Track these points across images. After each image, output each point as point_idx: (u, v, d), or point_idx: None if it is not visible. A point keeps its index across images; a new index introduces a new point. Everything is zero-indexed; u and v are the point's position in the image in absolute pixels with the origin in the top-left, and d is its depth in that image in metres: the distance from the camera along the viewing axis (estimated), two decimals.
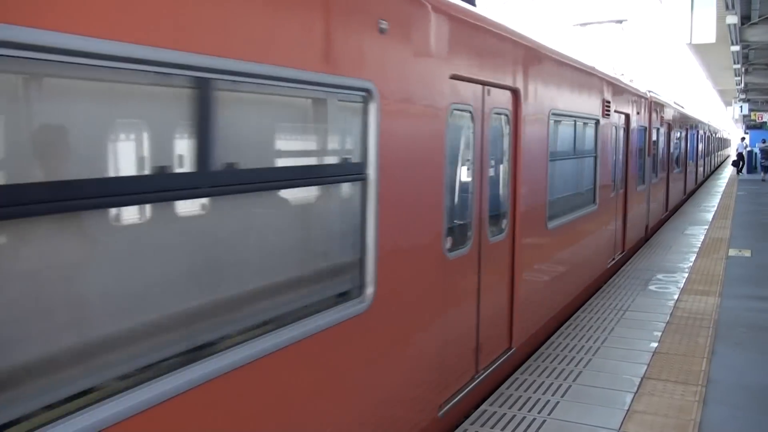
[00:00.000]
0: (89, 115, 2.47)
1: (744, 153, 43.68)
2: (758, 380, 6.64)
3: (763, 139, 42.35)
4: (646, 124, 14.56)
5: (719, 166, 55.78)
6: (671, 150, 19.46)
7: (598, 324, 8.38)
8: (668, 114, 18.39)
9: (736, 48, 22.84)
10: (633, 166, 13.09)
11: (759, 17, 21.06)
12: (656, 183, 16.74)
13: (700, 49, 26.32)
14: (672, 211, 20.74)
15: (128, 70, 2.46)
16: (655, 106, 15.68)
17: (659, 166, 17.10)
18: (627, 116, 12.37)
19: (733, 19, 18.49)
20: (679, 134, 21.56)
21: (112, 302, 2.59)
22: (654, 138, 15.87)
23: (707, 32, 17.52)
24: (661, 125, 16.85)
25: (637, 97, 13.53)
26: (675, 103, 21.92)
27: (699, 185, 31.93)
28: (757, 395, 6.25)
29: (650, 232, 16.07)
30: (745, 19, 20.78)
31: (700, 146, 31.45)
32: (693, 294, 10.02)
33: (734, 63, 27.42)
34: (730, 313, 8.99)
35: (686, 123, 23.68)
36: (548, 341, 7.69)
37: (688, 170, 25.30)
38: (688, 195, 26.23)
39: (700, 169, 32.66)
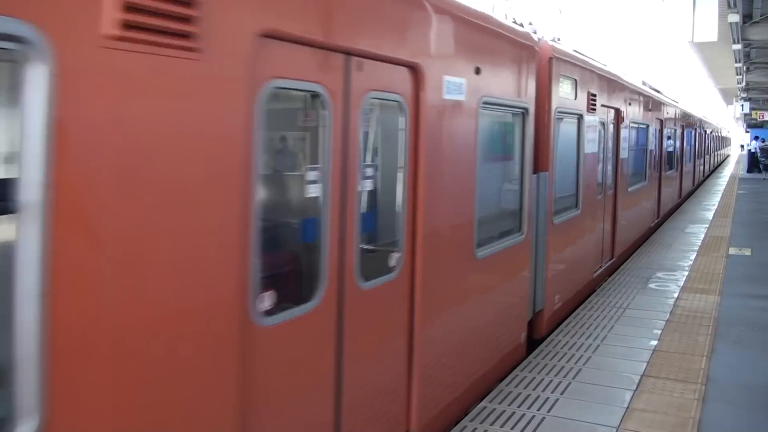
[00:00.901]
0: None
1: (754, 151, 43.52)
2: (758, 378, 6.64)
3: (762, 138, 42.41)
4: (528, 105, 6.92)
5: (715, 169, 46.36)
6: (622, 154, 11.79)
7: (597, 322, 8.38)
8: (612, 94, 10.90)
9: (738, 46, 22.85)
10: (459, 210, 5.43)
11: (761, 16, 21.07)
12: (574, 220, 9.08)
13: (702, 48, 26.30)
14: (626, 254, 12.88)
15: None
16: (567, 72, 8.28)
17: (588, 184, 9.68)
18: (413, 70, 4.63)
19: (734, 18, 18.51)
20: (643, 130, 14.37)
21: None
22: (566, 133, 8.66)
23: (709, 30, 17.50)
24: (590, 110, 9.35)
25: (483, 37, 5.86)
26: (644, 83, 15.27)
27: (685, 198, 24.26)
28: (757, 393, 6.25)
29: (547, 328, 8.03)
30: (747, 17, 20.80)
31: (687, 147, 23.60)
32: (693, 292, 10.02)
33: (735, 62, 27.42)
34: (730, 311, 8.99)
35: (660, 114, 16.39)
36: (548, 338, 7.69)
37: (663, 182, 17.61)
38: (664, 217, 18.62)
39: (688, 176, 24.95)
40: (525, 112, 6.95)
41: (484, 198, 5.90)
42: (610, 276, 11.30)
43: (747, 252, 13.53)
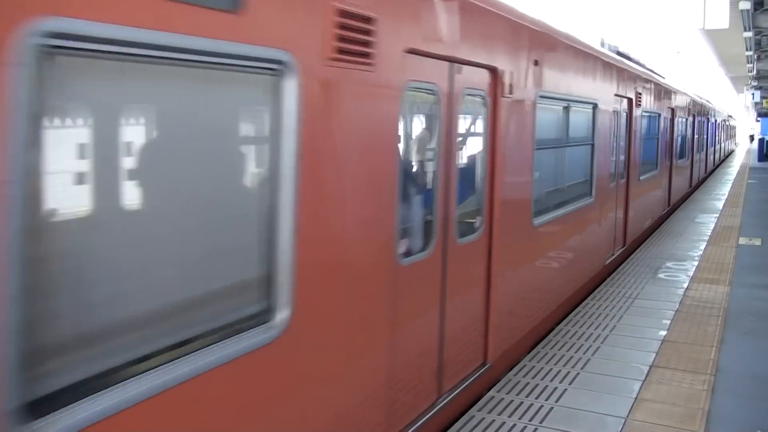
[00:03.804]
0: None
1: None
2: (767, 369, 6.60)
3: None
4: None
5: (714, 170, 35.51)
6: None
7: (606, 312, 8.35)
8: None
9: (749, 34, 22.65)
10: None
11: None
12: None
13: (713, 35, 26.08)
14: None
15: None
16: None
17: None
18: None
19: (746, 5, 18.33)
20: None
21: None
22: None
23: (720, 17, 17.37)
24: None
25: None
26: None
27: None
28: (767, 384, 6.22)
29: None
30: (758, 5, 20.60)
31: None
32: (703, 282, 9.97)
33: (746, 49, 27.18)
34: (740, 301, 8.94)
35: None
36: (556, 329, 7.67)
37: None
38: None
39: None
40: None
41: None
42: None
43: (757, 242, 13.44)
